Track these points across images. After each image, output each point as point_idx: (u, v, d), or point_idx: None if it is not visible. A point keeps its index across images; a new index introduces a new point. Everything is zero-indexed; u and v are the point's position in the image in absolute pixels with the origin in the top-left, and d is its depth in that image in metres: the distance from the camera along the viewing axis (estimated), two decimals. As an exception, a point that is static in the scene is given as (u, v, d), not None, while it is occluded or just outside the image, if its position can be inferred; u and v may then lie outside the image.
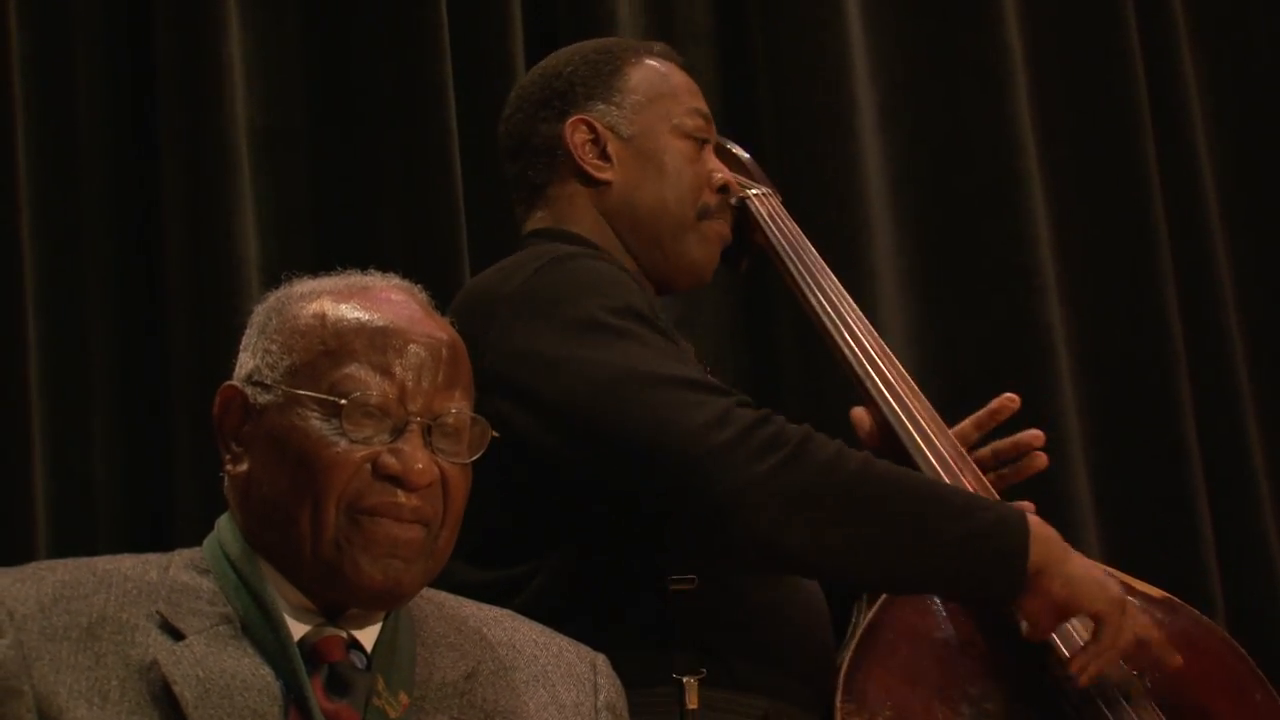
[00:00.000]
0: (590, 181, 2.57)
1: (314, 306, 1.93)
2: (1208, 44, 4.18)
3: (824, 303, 2.65)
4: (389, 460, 1.87)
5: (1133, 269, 3.95)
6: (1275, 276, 4.14)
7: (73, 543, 2.93)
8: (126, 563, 1.89)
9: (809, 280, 2.67)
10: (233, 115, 3.14)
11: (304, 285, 1.98)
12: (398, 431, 1.88)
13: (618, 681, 2.08)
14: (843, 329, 2.63)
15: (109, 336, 3.12)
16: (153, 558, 1.91)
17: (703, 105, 2.64)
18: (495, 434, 1.96)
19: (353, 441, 1.87)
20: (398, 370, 1.89)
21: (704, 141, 2.62)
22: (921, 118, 3.87)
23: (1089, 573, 2.33)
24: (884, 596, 2.38)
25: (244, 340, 1.97)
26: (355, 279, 1.99)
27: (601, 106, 2.59)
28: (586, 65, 2.62)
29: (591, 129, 2.58)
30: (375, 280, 1.99)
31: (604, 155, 2.58)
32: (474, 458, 1.94)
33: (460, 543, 2.02)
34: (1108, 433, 3.90)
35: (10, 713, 1.75)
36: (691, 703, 2.18)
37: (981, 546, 2.28)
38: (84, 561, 1.89)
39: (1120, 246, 3.96)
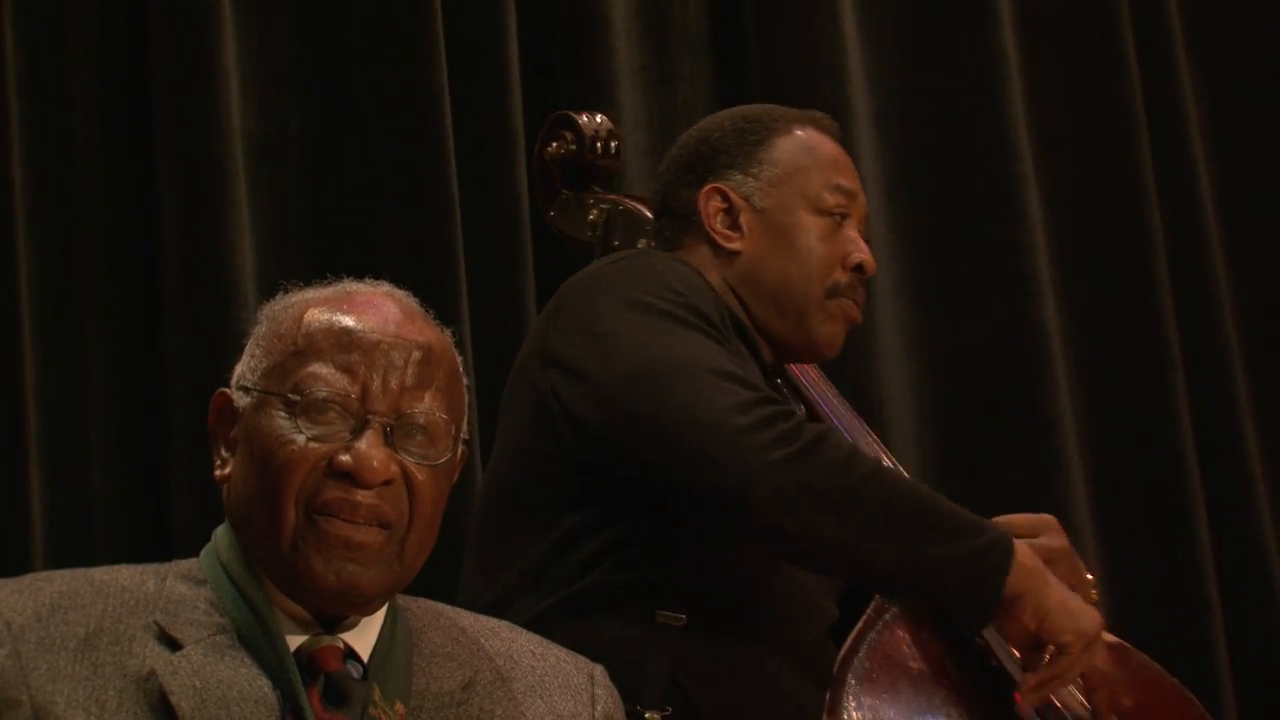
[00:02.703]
0: (719, 250, 2.58)
1: (296, 312, 1.94)
2: (1203, 47, 4.18)
3: None
4: (343, 457, 1.86)
5: (1129, 273, 3.95)
6: (1272, 280, 4.14)
7: (70, 554, 2.92)
8: (124, 574, 1.89)
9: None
10: (228, 125, 3.14)
11: (299, 294, 1.99)
12: (357, 430, 1.88)
13: (615, 693, 2.08)
14: None
15: (106, 347, 3.11)
16: (150, 568, 1.91)
17: (847, 181, 2.63)
18: (465, 436, 1.97)
19: (310, 439, 1.86)
20: (362, 370, 1.89)
21: (844, 217, 2.60)
22: (917, 123, 3.87)
23: (1064, 604, 2.38)
24: (856, 631, 2.41)
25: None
26: (344, 286, 1.99)
27: (739, 176, 2.60)
28: (735, 133, 2.63)
29: (726, 198, 2.59)
30: (362, 287, 1.99)
31: (735, 225, 2.58)
32: (444, 460, 1.93)
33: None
34: (1105, 437, 3.90)
35: (8, 722, 1.76)
36: None
37: (964, 571, 2.35)
38: (81, 572, 1.89)
39: (1117, 250, 3.96)
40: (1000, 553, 2.36)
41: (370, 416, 1.88)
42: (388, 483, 1.87)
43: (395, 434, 1.89)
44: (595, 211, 2.92)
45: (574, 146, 2.94)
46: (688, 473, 2.26)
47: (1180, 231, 4.01)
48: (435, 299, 2.05)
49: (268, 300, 2.01)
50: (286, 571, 1.87)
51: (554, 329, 2.42)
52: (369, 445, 1.86)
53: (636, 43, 3.60)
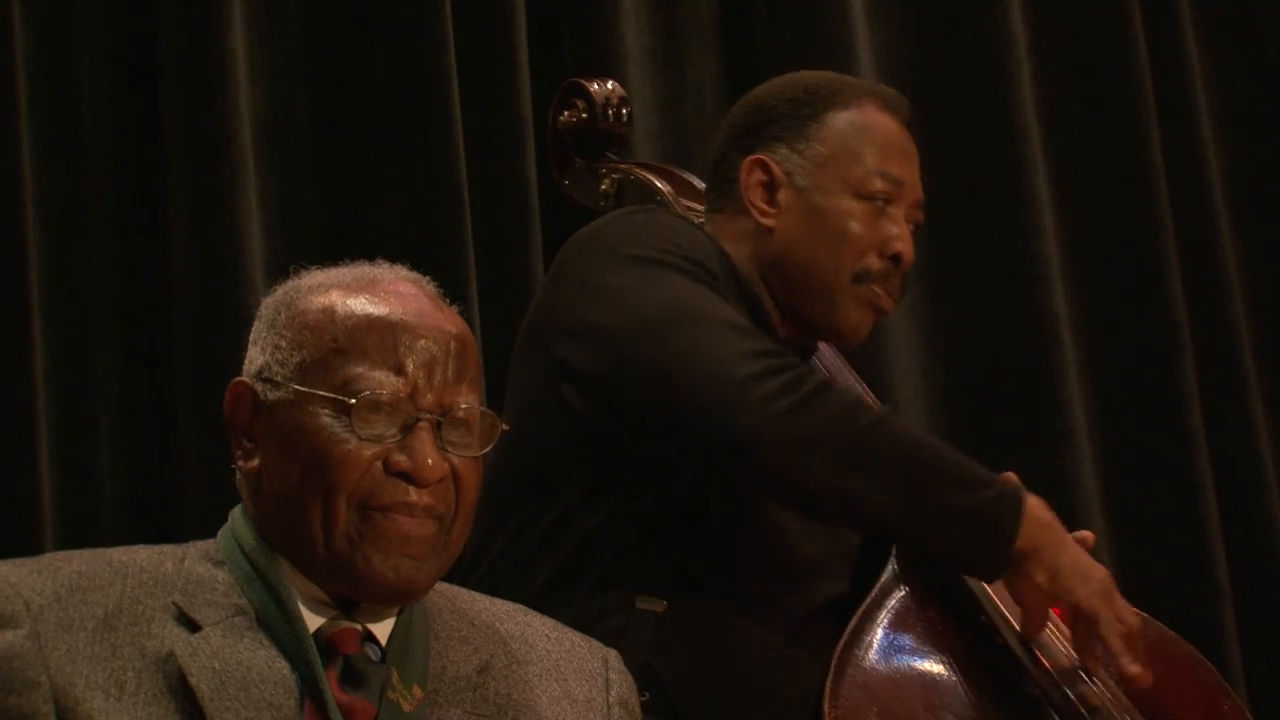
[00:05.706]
0: (755, 222, 2.55)
1: (322, 300, 1.92)
2: (1212, 31, 4.17)
3: None
4: (399, 458, 1.86)
5: (1138, 256, 3.95)
6: (1280, 263, 4.14)
7: (79, 539, 2.92)
8: (142, 554, 1.89)
9: None
10: (236, 109, 3.14)
11: (312, 278, 1.97)
12: (408, 428, 1.87)
13: (629, 677, 2.08)
14: None
15: (114, 331, 3.12)
16: (168, 549, 1.91)
17: (896, 168, 2.56)
18: (505, 426, 1.96)
19: (362, 439, 1.86)
20: (409, 367, 1.88)
21: (887, 203, 2.54)
22: (925, 106, 3.84)
23: (1075, 563, 2.36)
24: (861, 610, 2.40)
25: (253, 333, 1.96)
26: (363, 271, 1.97)
27: (784, 151, 2.55)
28: (790, 104, 2.57)
29: (768, 170, 2.54)
30: (383, 272, 1.97)
31: (773, 201, 2.54)
32: (484, 451, 1.94)
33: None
34: (1114, 421, 3.89)
35: (28, 703, 1.75)
36: None
37: (971, 523, 2.33)
38: (100, 552, 1.89)
39: (1125, 234, 3.95)
40: (1011, 505, 2.34)
41: (420, 415, 1.88)
42: (440, 480, 1.88)
43: (442, 429, 1.89)
44: (607, 181, 2.93)
45: (585, 115, 2.94)
46: (692, 420, 2.25)
47: (1189, 214, 4.01)
48: (444, 282, 2.04)
49: (279, 283, 1.99)
50: (338, 566, 1.86)
51: (556, 291, 2.42)
52: (423, 445, 1.87)
53: (644, 25, 3.60)
